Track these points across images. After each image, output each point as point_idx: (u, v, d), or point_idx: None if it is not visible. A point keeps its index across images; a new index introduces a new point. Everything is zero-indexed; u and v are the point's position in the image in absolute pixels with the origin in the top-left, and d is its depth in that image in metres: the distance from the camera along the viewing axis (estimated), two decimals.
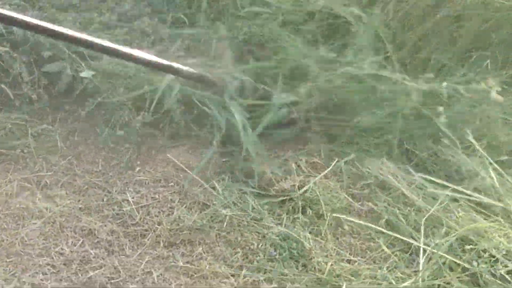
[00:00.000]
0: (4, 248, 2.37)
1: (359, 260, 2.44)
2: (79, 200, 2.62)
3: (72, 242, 2.47)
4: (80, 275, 2.36)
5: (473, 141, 2.91)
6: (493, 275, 2.26)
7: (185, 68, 3.29)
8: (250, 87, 3.47)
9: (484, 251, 2.36)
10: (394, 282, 2.33)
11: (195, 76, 3.33)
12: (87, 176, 2.79)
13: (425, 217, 2.53)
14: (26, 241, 2.42)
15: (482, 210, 2.60)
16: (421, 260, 2.36)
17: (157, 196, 2.72)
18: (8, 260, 2.34)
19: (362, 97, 3.25)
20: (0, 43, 3.04)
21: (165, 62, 3.26)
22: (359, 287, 2.32)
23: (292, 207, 2.66)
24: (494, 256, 2.31)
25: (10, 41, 3.08)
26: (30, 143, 2.86)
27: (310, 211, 2.63)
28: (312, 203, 2.66)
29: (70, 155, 2.89)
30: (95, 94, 3.06)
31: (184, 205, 2.66)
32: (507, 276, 2.21)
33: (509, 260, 2.28)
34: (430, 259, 2.35)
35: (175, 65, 3.27)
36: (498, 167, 2.76)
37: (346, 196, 2.73)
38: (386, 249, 2.45)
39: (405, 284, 2.29)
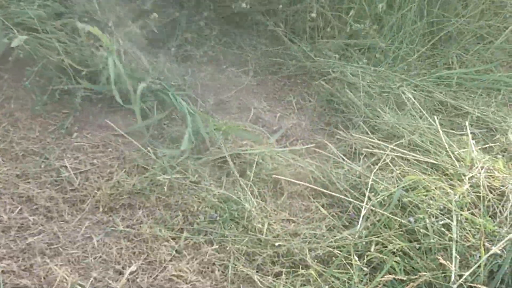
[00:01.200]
0: None
1: (297, 220, 2.46)
2: (16, 167, 2.58)
3: (10, 209, 2.44)
4: (18, 241, 2.33)
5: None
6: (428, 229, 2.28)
7: None
8: None
9: (421, 204, 2.37)
10: (333, 241, 2.34)
11: None
12: (24, 143, 2.75)
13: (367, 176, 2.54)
14: None
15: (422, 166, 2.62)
16: (360, 220, 2.38)
17: (95, 162, 2.71)
18: None
19: None
20: None
21: None
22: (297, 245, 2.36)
23: (230, 169, 2.65)
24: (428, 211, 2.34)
25: None
26: None
27: (249, 173, 2.62)
28: (250, 164, 2.66)
29: (6, 122, 2.82)
30: (31, 61, 2.98)
31: (123, 170, 2.66)
32: (443, 230, 2.25)
33: (444, 214, 2.32)
34: (368, 217, 2.39)
35: None
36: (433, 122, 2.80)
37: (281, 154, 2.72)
38: (322, 210, 2.49)
39: (344, 242, 2.32)
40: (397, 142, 2.75)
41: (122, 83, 2.93)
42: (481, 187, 2.42)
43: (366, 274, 2.28)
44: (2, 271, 2.20)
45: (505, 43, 3.58)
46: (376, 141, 2.79)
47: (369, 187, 2.49)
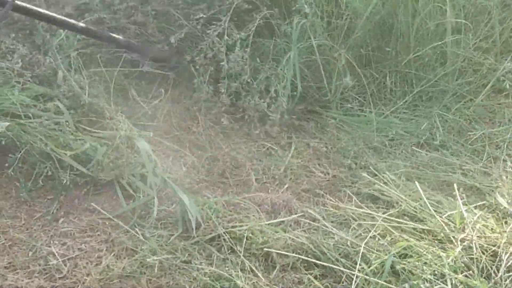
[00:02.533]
0: None
1: None
2: (3, 258, 2.57)
3: None
4: None
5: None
6: None
7: (117, 36, 3.68)
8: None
9: (415, 270, 2.39)
10: None
11: (124, 44, 3.74)
12: (11, 231, 2.73)
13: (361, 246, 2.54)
14: None
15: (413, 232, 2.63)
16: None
17: (83, 247, 2.66)
18: None
19: None
20: None
21: (102, 31, 3.62)
22: None
23: (221, 246, 2.65)
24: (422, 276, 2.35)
25: None
26: None
27: (239, 248, 2.61)
28: (240, 240, 2.66)
29: None
30: (14, 147, 2.98)
31: (112, 253, 2.62)
32: None
33: (438, 279, 2.34)
34: (363, 287, 2.39)
35: (108, 33, 3.68)
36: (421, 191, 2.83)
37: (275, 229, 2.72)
38: (315, 281, 2.47)
39: None
40: (388, 213, 2.78)
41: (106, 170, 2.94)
42: (474, 248, 2.44)
43: None
44: None
45: (486, 100, 3.61)
46: (367, 210, 2.81)
47: (360, 256, 2.49)
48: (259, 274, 2.53)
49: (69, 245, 2.65)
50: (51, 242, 2.68)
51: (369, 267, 2.45)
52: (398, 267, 2.43)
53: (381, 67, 3.79)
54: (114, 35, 3.76)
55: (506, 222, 2.63)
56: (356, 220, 2.73)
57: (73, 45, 3.60)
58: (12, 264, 2.56)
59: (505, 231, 2.54)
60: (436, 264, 2.40)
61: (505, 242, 2.47)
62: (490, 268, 2.40)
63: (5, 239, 2.68)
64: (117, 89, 3.53)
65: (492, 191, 2.86)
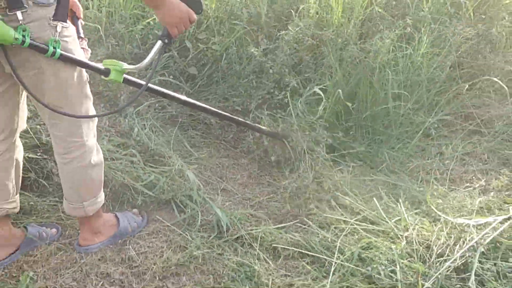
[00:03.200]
0: None
1: (292, 274, 2.46)
2: (98, 253, 2.53)
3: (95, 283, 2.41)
4: None
5: None
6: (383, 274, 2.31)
7: (265, 128, 3.37)
8: None
9: (374, 258, 2.41)
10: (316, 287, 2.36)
11: (270, 134, 3.39)
12: None
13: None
14: None
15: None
16: (331, 271, 2.39)
17: (151, 245, 2.67)
18: None
19: None
20: None
21: (252, 123, 3.35)
22: None
23: (243, 243, 2.65)
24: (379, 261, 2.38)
25: None
26: None
27: (255, 244, 2.62)
28: (256, 238, 2.66)
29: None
30: (104, 181, 2.80)
31: (170, 249, 2.60)
32: (391, 274, 2.31)
33: (390, 263, 2.37)
34: (339, 269, 2.40)
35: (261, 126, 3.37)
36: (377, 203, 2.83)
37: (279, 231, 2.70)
38: (307, 266, 2.49)
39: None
40: (355, 218, 2.78)
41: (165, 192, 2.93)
42: (414, 242, 2.46)
43: None
44: None
45: (419, 142, 3.69)
46: (341, 217, 2.80)
47: (337, 248, 2.50)
48: (269, 262, 2.54)
49: (141, 244, 2.63)
50: (130, 242, 2.66)
51: (343, 256, 2.46)
52: (363, 255, 2.46)
53: (348, 121, 3.76)
54: (259, 126, 3.42)
55: (435, 224, 2.64)
56: (333, 224, 2.73)
57: (148, 111, 3.51)
58: (103, 257, 2.54)
59: (435, 230, 2.55)
60: (388, 253, 2.41)
61: (435, 238, 2.49)
62: (425, 256, 2.41)
63: None
64: (176, 139, 3.45)
65: (425, 202, 2.88)
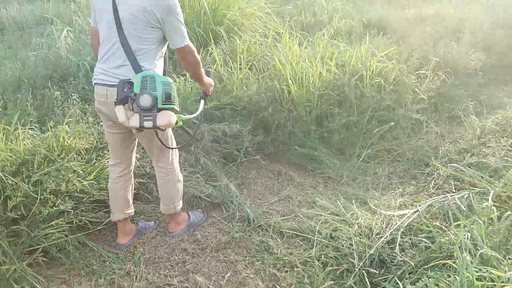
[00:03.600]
0: None
1: (291, 247, 2.63)
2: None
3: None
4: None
5: None
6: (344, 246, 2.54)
7: None
8: None
9: (341, 236, 2.58)
10: (303, 256, 2.54)
11: None
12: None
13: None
14: None
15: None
16: (315, 246, 2.59)
17: (208, 233, 2.80)
18: None
19: None
20: None
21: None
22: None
23: (263, 228, 2.80)
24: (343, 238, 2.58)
25: None
26: None
27: (270, 229, 2.77)
28: (270, 226, 2.81)
29: None
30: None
31: (220, 234, 2.77)
32: (350, 246, 2.51)
33: (349, 239, 2.55)
34: (319, 244, 2.60)
35: None
36: (340, 203, 3.01)
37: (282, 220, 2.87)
38: (300, 242, 2.67)
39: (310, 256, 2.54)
40: (327, 213, 2.86)
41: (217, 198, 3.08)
42: (362, 227, 2.64)
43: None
44: None
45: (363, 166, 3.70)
46: (320, 212, 2.88)
47: (317, 231, 2.67)
48: (278, 240, 2.69)
49: (204, 231, 2.83)
50: (197, 229, 2.85)
51: (321, 235, 2.63)
52: (333, 235, 2.62)
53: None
54: None
55: (374, 215, 2.76)
56: (315, 217, 2.84)
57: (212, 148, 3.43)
58: (182, 239, 2.76)
59: (374, 219, 2.69)
60: (347, 233, 2.58)
61: (374, 223, 2.64)
62: (369, 234, 2.57)
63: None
64: (223, 165, 3.47)
65: (368, 203, 2.98)
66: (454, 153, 3.57)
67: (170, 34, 2.26)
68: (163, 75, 2.43)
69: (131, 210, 2.74)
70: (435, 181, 3.25)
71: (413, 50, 4.74)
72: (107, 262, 2.58)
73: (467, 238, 2.20)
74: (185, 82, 3.79)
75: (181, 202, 2.79)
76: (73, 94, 3.38)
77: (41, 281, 2.38)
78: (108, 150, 2.78)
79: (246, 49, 4.46)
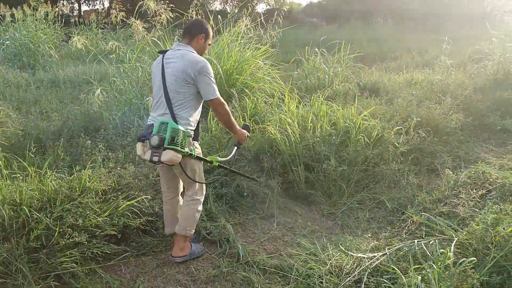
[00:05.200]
0: None
1: (271, 283, 2.62)
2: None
3: None
4: None
5: None
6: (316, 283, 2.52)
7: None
8: None
9: (313, 275, 2.58)
10: None
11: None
12: None
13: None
14: None
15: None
16: (290, 283, 2.66)
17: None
18: None
19: None
20: None
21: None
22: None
23: (249, 264, 2.82)
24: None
25: None
26: None
27: (255, 265, 2.81)
28: (255, 262, 2.83)
29: None
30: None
31: (212, 267, 2.84)
32: (320, 283, 2.50)
33: (320, 277, 2.56)
34: (296, 280, 2.60)
35: None
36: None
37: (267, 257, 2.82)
38: (279, 279, 2.64)
39: None
40: (306, 252, 2.86)
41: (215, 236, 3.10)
42: (334, 266, 2.61)
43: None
44: None
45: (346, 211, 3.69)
46: (298, 252, 2.86)
47: (294, 269, 2.68)
48: (260, 275, 2.68)
49: (198, 264, 2.84)
50: (192, 264, 2.88)
51: (298, 273, 2.62)
52: (308, 273, 2.60)
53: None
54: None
55: (347, 257, 2.73)
56: (295, 255, 2.84)
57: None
58: (180, 270, 2.83)
59: (345, 260, 2.67)
60: (320, 271, 2.58)
61: (345, 264, 2.62)
62: (339, 274, 2.56)
63: None
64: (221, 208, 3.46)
65: (342, 243, 2.97)
66: (428, 203, 3.50)
67: (202, 88, 2.56)
68: (197, 124, 2.71)
69: None
70: (408, 227, 3.22)
71: (397, 111, 4.78)
72: None
73: (420, 281, 2.16)
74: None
75: (193, 230, 2.87)
76: (99, 144, 3.54)
77: None
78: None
79: (254, 106, 4.61)
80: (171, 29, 5.28)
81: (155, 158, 2.43)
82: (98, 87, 4.33)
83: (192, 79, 2.54)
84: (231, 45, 5.11)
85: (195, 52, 2.65)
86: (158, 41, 4.85)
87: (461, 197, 3.45)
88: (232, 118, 2.74)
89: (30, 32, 8.54)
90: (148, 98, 3.76)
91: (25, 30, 8.54)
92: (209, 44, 2.82)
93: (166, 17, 4.69)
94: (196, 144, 2.73)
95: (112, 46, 4.48)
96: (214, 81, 2.60)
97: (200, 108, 2.72)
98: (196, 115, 2.66)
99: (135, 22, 4.39)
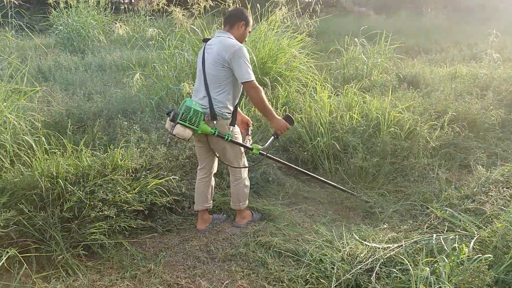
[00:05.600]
0: None
1: (286, 267, 2.65)
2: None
3: None
4: None
5: None
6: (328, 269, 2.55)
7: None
8: None
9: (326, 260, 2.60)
10: (285, 276, 2.61)
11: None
12: None
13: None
14: None
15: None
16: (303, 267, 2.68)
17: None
18: None
19: None
20: None
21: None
22: None
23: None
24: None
25: None
26: None
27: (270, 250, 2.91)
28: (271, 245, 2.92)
29: None
30: None
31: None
32: (331, 269, 2.53)
33: (333, 264, 2.57)
34: (308, 265, 2.63)
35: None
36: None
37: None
38: (294, 264, 2.66)
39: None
40: (321, 239, 2.93)
41: None
42: (347, 254, 2.58)
43: None
44: None
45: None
46: (314, 239, 2.93)
47: (308, 254, 2.76)
48: (275, 258, 2.73)
49: (214, 246, 2.94)
50: (212, 243, 3.00)
51: (312, 258, 2.65)
52: (322, 258, 2.61)
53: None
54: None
55: (362, 246, 2.69)
56: (312, 242, 2.88)
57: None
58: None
59: (359, 249, 2.64)
60: (333, 258, 2.59)
61: (359, 253, 2.58)
62: (351, 261, 2.54)
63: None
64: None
65: (357, 232, 2.95)
66: (455, 198, 3.43)
67: (237, 71, 2.65)
68: (234, 108, 2.85)
69: (209, 204, 3.12)
70: (430, 221, 3.18)
71: (433, 104, 4.65)
72: (135, 260, 2.80)
73: (429, 273, 2.16)
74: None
75: (246, 201, 3.11)
76: (134, 125, 3.73)
77: (81, 269, 2.66)
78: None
79: (286, 95, 4.65)
80: (210, 17, 5.38)
81: (172, 131, 2.67)
82: (137, 72, 4.50)
83: (228, 63, 2.63)
84: (268, 34, 5.15)
85: (233, 38, 2.75)
86: (196, 29, 4.96)
87: (491, 195, 3.34)
88: (268, 105, 2.77)
89: (81, 18, 8.95)
90: (183, 84, 3.88)
91: (77, 16, 8.96)
92: (249, 32, 2.89)
93: (205, 5, 4.78)
94: (234, 128, 2.84)
95: (152, 33, 4.62)
96: (249, 65, 2.65)
97: (238, 93, 2.82)
98: (233, 100, 2.78)
99: (175, 10, 4.51)
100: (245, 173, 3.03)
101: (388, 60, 6.77)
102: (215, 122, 2.74)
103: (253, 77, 2.65)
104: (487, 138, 4.58)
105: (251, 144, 3.02)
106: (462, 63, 7.39)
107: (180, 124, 2.64)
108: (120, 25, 4.58)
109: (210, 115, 2.71)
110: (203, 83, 2.72)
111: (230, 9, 4.77)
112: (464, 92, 5.39)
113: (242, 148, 2.96)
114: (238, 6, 4.99)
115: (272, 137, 2.97)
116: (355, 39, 6.86)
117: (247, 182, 3.06)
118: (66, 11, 9.13)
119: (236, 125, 2.88)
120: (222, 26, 2.86)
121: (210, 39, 2.82)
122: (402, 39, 7.08)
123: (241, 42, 2.78)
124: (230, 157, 2.91)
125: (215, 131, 2.74)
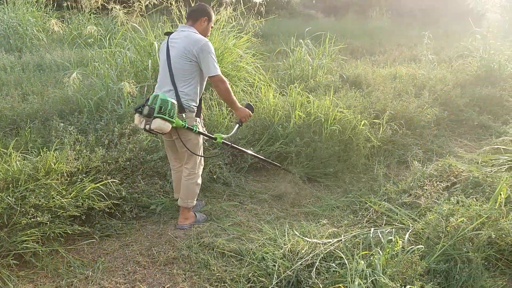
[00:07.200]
0: None
1: (229, 265, 2.64)
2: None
3: None
4: None
5: None
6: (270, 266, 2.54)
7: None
8: None
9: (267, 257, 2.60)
10: (227, 276, 2.59)
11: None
12: None
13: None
14: None
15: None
16: (245, 266, 2.68)
17: None
18: None
19: None
20: None
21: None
22: None
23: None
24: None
25: None
26: None
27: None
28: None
29: None
30: None
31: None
32: (273, 266, 2.52)
33: (274, 261, 2.59)
34: (252, 264, 2.65)
35: None
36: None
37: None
38: (236, 263, 2.66)
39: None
40: (264, 237, 2.93)
41: None
42: (288, 251, 2.61)
43: None
44: None
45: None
46: (257, 237, 2.93)
47: (251, 253, 2.74)
48: (219, 258, 2.69)
49: (155, 250, 2.89)
50: (154, 247, 2.95)
51: (255, 256, 2.64)
52: (263, 256, 2.60)
53: None
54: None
55: (303, 242, 2.74)
56: (255, 240, 2.85)
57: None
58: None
59: (300, 245, 2.67)
60: (274, 255, 2.59)
61: (300, 249, 2.62)
62: (292, 258, 2.57)
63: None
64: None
65: (296, 229, 2.97)
66: (393, 193, 3.60)
67: (204, 66, 2.74)
68: (199, 101, 2.92)
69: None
70: (369, 216, 3.29)
71: (372, 103, 4.82)
72: (72, 268, 2.68)
73: (365, 266, 2.22)
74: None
75: (195, 201, 3.09)
76: (70, 127, 3.57)
77: (12, 279, 2.50)
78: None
79: None
80: (153, 14, 5.27)
81: (147, 126, 2.65)
82: (74, 71, 4.33)
83: (195, 57, 2.71)
84: (213, 33, 5.11)
85: (198, 33, 2.83)
86: (138, 27, 4.84)
87: (425, 189, 3.54)
88: (233, 96, 2.89)
89: (18, 14, 8.48)
90: (122, 83, 3.77)
91: (13, 13, 8.48)
92: (212, 27, 2.98)
93: (147, 4, 4.67)
94: (199, 120, 2.92)
95: (91, 30, 4.45)
96: (215, 59, 2.75)
97: (203, 86, 2.89)
98: (199, 92, 2.85)
99: (114, 7, 4.37)
100: (200, 171, 3.05)
101: (333, 61, 6.94)
102: (184, 115, 2.78)
103: (219, 71, 2.77)
104: (423, 135, 4.82)
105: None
106: (403, 64, 7.74)
107: (160, 118, 2.63)
108: (55, 22, 4.36)
109: (178, 108, 2.74)
110: (169, 77, 2.75)
111: (172, 7, 4.70)
112: (402, 91, 5.64)
113: (202, 140, 3.01)
114: (180, 4, 4.91)
115: (237, 125, 3.10)
116: (301, 40, 6.98)
117: (199, 181, 3.07)
118: (2, 7, 8.63)
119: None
120: (185, 21, 2.92)
121: (172, 33, 2.87)
122: (347, 41, 7.28)
123: (205, 37, 2.86)
124: (192, 147, 2.93)
125: (185, 124, 2.78)
